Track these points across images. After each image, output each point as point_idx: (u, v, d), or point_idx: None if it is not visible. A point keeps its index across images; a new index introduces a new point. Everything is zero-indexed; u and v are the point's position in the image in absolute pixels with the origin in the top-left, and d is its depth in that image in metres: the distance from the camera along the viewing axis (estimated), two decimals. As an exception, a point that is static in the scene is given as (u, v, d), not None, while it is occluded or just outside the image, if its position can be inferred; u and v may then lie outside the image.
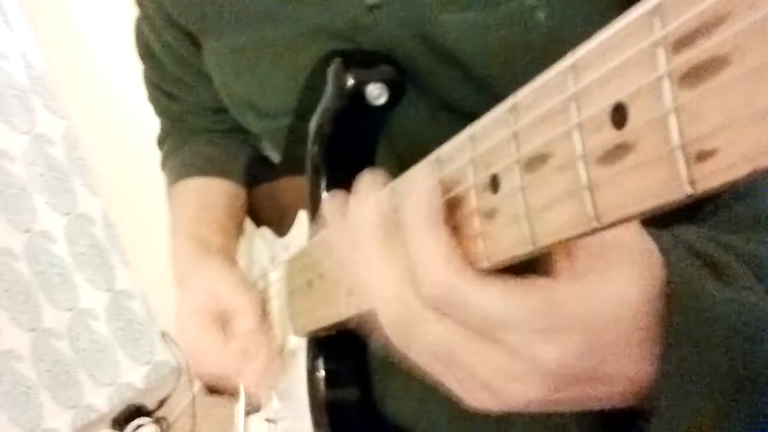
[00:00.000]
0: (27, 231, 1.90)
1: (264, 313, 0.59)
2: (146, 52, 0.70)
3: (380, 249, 0.32)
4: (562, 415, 0.33)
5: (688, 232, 0.34)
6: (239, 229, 0.71)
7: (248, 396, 0.71)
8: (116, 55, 1.89)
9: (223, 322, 0.58)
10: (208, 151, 0.73)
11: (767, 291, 0.31)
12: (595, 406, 0.31)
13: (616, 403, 0.31)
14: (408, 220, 0.30)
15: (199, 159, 0.73)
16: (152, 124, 0.80)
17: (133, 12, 0.70)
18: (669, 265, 0.29)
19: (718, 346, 0.29)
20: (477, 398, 0.31)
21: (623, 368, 0.29)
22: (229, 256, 0.65)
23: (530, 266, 0.28)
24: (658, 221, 0.26)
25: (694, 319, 0.29)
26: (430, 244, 0.29)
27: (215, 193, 0.71)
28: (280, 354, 0.60)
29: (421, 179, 0.30)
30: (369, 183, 0.34)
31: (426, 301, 0.30)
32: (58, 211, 1.94)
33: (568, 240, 0.23)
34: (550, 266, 0.28)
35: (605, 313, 0.28)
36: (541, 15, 0.42)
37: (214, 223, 0.67)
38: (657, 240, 0.30)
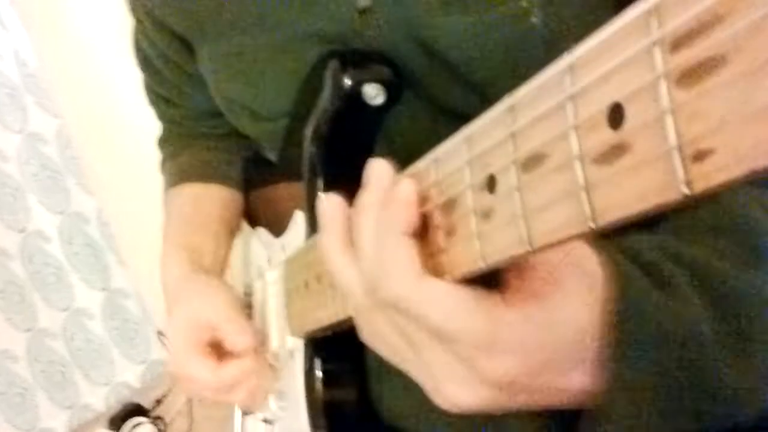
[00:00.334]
0: (21, 231, 1.89)
1: (257, 334, 0.60)
2: (143, 61, 0.71)
3: (345, 248, 0.35)
4: (550, 416, 0.34)
5: (636, 240, 0.35)
6: (232, 235, 0.71)
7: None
8: (110, 54, 1.88)
9: (215, 345, 0.58)
10: (206, 157, 0.74)
11: (707, 303, 0.32)
12: (541, 408, 0.33)
13: (570, 406, 0.32)
14: (381, 223, 0.31)
15: (196, 164, 0.73)
16: (146, 122, 0.81)
17: (126, 10, 0.69)
18: (614, 280, 0.31)
19: (653, 356, 0.30)
20: (432, 394, 0.33)
21: (567, 382, 0.31)
22: (220, 269, 0.66)
23: (484, 278, 0.29)
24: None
25: (631, 331, 0.30)
26: (392, 251, 0.30)
27: (210, 199, 0.71)
28: (272, 371, 0.61)
29: (403, 186, 0.31)
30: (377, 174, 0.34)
31: (380, 305, 0.32)
32: (52, 210, 1.93)
33: (565, 241, 0.23)
34: (503, 281, 0.30)
35: (549, 337, 0.29)
36: (534, 18, 0.42)
37: (206, 231, 0.67)
38: (603, 251, 0.31)
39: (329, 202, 0.36)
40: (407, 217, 0.30)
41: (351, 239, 0.34)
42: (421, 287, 0.29)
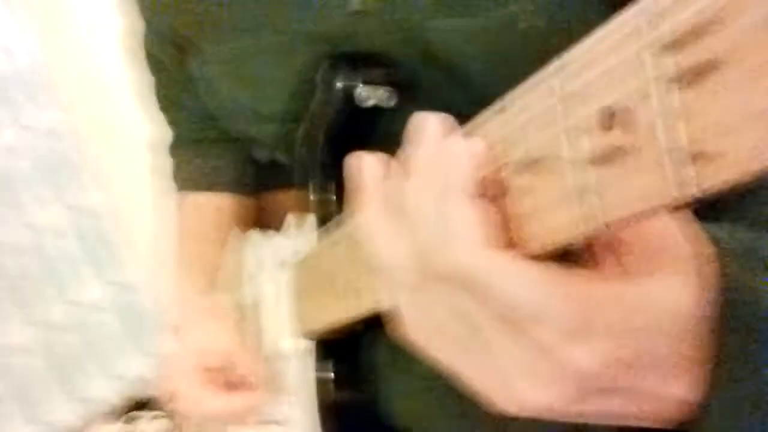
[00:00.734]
0: (31, 224, 1.90)
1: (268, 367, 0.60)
2: (154, 63, 0.71)
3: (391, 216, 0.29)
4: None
5: (737, 232, 0.29)
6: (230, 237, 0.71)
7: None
8: (114, 48, 1.89)
9: (223, 372, 0.58)
10: (216, 163, 0.74)
11: None
12: (622, 422, 0.27)
13: (645, 423, 0.27)
14: (439, 181, 0.27)
15: (205, 173, 0.74)
16: (152, 117, 0.81)
17: (125, 4, 0.70)
18: (724, 271, 0.26)
19: None
20: (493, 394, 0.27)
21: (663, 385, 0.26)
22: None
23: (570, 256, 0.25)
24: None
25: (749, 335, 0.25)
26: (456, 213, 0.25)
27: (218, 210, 0.72)
28: (275, 360, 0.61)
29: (467, 144, 0.27)
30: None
31: (438, 280, 0.26)
32: (62, 204, 1.94)
33: (565, 243, 0.23)
34: (594, 258, 0.26)
35: (648, 320, 0.25)
36: (529, 21, 0.41)
37: (217, 245, 0.68)
38: (712, 239, 0.27)
39: (368, 162, 0.31)
40: (474, 173, 0.26)
41: (395, 206, 0.29)
42: (493, 257, 0.25)
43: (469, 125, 0.28)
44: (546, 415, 0.26)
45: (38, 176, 1.90)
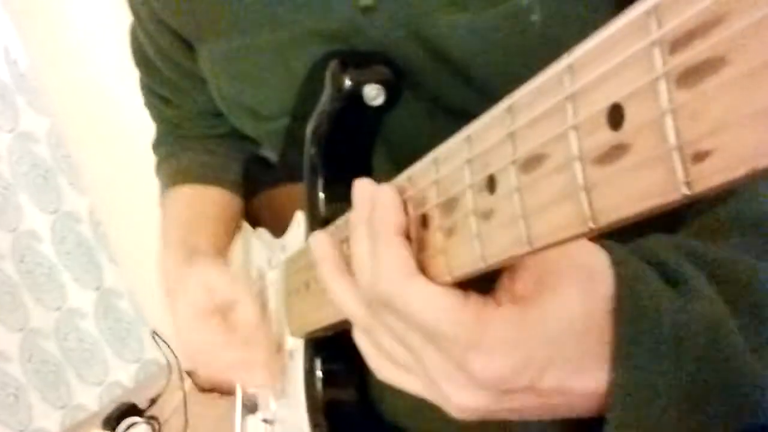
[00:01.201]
0: (13, 230, 1.88)
1: (263, 307, 0.59)
2: (141, 58, 0.70)
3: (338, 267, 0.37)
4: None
5: (653, 240, 0.34)
6: (231, 237, 0.71)
7: (245, 395, 0.70)
8: (102, 53, 1.87)
9: (223, 315, 0.57)
10: (203, 159, 0.73)
11: (730, 300, 0.31)
12: (551, 416, 0.32)
13: (574, 414, 0.32)
14: (371, 231, 0.32)
15: (194, 166, 0.73)
16: (139, 121, 0.80)
17: (118, 9, 0.69)
18: (619, 278, 0.30)
19: (668, 356, 0.29)
20: (441, 401, 0.32)
21: (567, 383, 0.30)
22: (219, 256, 0.65)
23: (484, 278, 0.29)
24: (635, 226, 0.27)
25: (641, 330, 0.29)
26: (383, 252, 0.31)
27: (207, 201, 0.70)
28: (280, 349, 0.60)
29: (384, 189, 0.32)
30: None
31: (376, 309, 0.32)
32: (44, 209, 1.92)
33: (565, 241, 0.23)
34: (494, 283, 0.30)
35: (545, 334, 0.29)
36: (536, 17, 0.42)
37: (203, 232, 0.67)
38: (610, 252, 0.30)
39: (316, 239, 0.38)
40: (393, 217, 0.31)
41: (345, 266, 0.36)
42: (411, 285, 0.30)
43: (411, 168, 0.33)
44: (478, 417, 0.31)
45: (17, 181, 1.87)
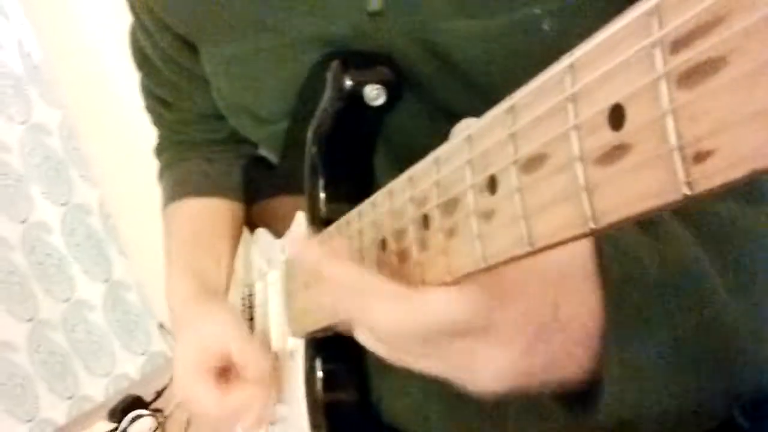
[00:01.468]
0: (23, 221, 1.89)
1: (270, 361, 0.59)
2: (142, 60, 0.70)
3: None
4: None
5: None
6: (235, 248, 0.71)
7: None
8: (113, 45, 1.88)
9: (222, 371, 0.57)
10: (203, 168, 0.73)
11: (705, 242, 0.34)
12: (560, 372, 0.33)
13: (576, 365, 0.33)
14: (317, 283, 0.35)
15: (194, 177, 0.72)
16: (150, 117, 0.80)
17: (128, 2, 0.69)
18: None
19: (653, 300, 0.32)
20: (470, 386, 0.34)
21: (575, 312, 0.32)
22: (224, 289, 0.66)
23: None
24: None
25: (621, 270, 0.32)
26: (360, 297, 0.33)
27: (210, 216, 0.70)
28: (274, 404, 0.60)
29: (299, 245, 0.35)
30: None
31: (410, 337, 0.33)
32: (54, 201, 1.93)
33: (566, 241, 0.23)
34: None
35: (543, 267, 0.31)
36: (545, 25, 0.41)
37: (210, 252, 0.67)
38: None
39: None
40: (331, 251, 0.35)
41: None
42: (416, 301, 0.31)
43: (412, 169, 0.33)
44: (502, 384, 0.33)
45: (29, 173, 1.89)
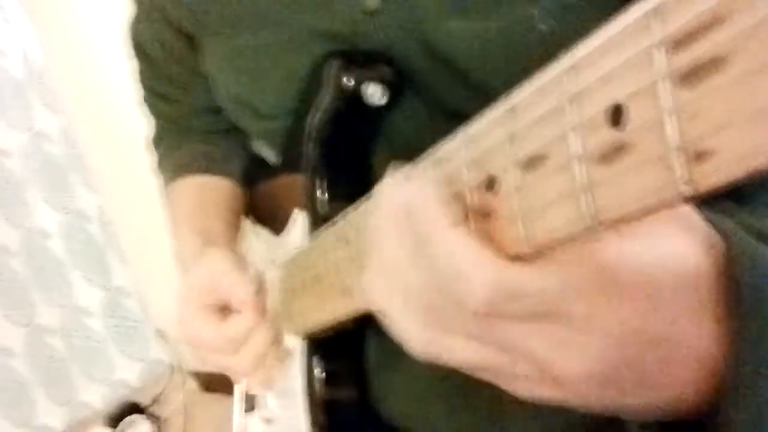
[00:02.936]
0: (23, 227, 1.89)
1: (264, 303, 0.58)
2: (141, 52, 0.70)
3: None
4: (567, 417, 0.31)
5: (735, 213, 0.32)
6: (238, 228, 0.71)
7: (244, 394, 0.70)
8: (116, 52, 1.89)
9: (222, 311, 0.57)
10: (206, 150, 0.73)
11: None
12: (656, 393, 0.28)
13: (683, 389, 0.28)
14: (425, 236, 0.27)
15: (197, 157, 0.73)
16: (150, 121, 0.80)
17: (132, 8, 0.70)
18: (728, 239, 0.27)
19: None
20: (536, 385, 0.28)
21: (688, 337, 0.27)
22: (232, 245, 0.65)
23: None
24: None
25: (761, 296, 0.26)
26: (456, 251, 0.26)
27: (215, 189, 0.71)
28: (279, 345, 0.59)
29: (422, 187, 0.28)
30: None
31: (479, 314, 0.26)
32: (54, 207, 1.93)
33: (565, 241, 0.23)
34: None
35: (663, 273, 0.26)
36: (543, 25, 0.41)
37: (216, 216, 0.67)
38: (708, 218, 0.28)
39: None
40: (448, 206, 0.27)
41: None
42: (511, 269, 0.25)
43: (437, 150, 0.30)
44: (599, 385, 0.27)
45: (28, 179, 1.89)
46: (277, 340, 0.58)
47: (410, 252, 0.28)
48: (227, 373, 0.58)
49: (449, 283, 0.26)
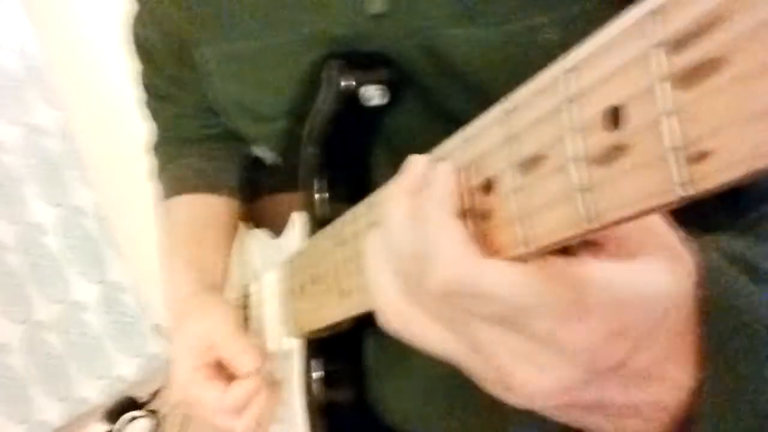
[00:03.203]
0: (19, 222, 1.89)
1: (262, 353, 0.58)
2: (142, 51, 0.70)
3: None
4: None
5: (720, 240, 0.32)
6: (230, 246, 0.71)
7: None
8: (114, 47, 1.88)
9: (220, 367, 0.57)
10: (201, 165, 0.73)
11: None
12: (626, 418, 0.28)
13: (668, 411, 0.28)
14: (420, 207, 0.28)
15: (190, 174, 0.73)
16: (150, 125, 0.80)
17: (129, 3, 0.69)
18: (703, 265, 0.28)
19: (757, 349, 0.27)
20: (500, 388, 0.28)
21: (660, 365, 0.27)
22: (222, 284, 0.65)
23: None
24: (694, 230, 0.25)
25: (732, 324, 0.27)
26: (441, 233, 0.27)
27: (209, 212, 0.70)
28: (277, 395, 0.60)
29: (441, 168, 0.29)
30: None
31: (428, 297, 0.28)
32: (50, 203, 1.93)
33: (562, 242, 0.23)
34: (573, 247, 0.26)
35: (634, 299, 0.26)
36: (548, 34, 0.41)
37: (211, 245, 0.67)
38: (688, 241, 0.28)
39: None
40: (453, 196, 0.28)
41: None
42: (482, 266, 0.25)
43: (437, 151, 0.30)
44: (556, 404, 0.27)
45: (26, 174, 1.88)
46: (273, 389, 0.58)
47: (409, 220, 0.29)
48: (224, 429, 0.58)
49: (424, 258, 0.27)
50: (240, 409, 0.55)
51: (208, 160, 0.73)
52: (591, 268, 0.25)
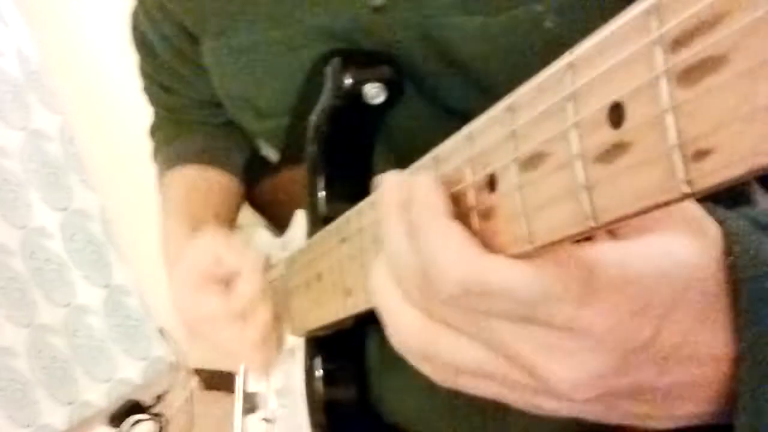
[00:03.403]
0: (23, 227, 1.89)
1: (257, 253, 0.57)
2: (142, 43, 0.70)
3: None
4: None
5: (745, 210, 0.31)
6: (232, 222, 0.69)
7: (246, 394, 0.70)
8: (113, 50, 1.89)
9: (225, 284, 0.55)
10: (205, 143, 0.72)
11: None
12: (671, 401, 0.28)
13: (695, 402, 0.28)
14: (413, 218, 0.28)
15: (195, 149, 0.72)
16: (149, 118, 0.80)
17: (129, 5, 0.70)
18: (730, 233, 0.27)
19: None
20: (536, 398, 0.28)
21: (691, 336, 0.26)
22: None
23: None
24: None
25: (765, 288, 0.26)
26: (440, 239, 0.26)
27: (210, 181, 0.69)
28: (280, 325, 0.58)
29: (421, 179, 0.29)
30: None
31: (442, 306, 0.27)
32: (54, 207, 1.93)
33: (566, 239, 0.23)
34: None
35: (652, 273, 0.25)
36: (548, 22, 0.41)
37: (208, 207, 0.65)
38: (711, 212, 0.28)
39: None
40: (442, 199, 0.27)
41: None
42: (487, 262, 0.25)
43: (412, 167, 0.30)
44: (596, 395, 0.26)
45: (28, 178, 1.89)
46: (278, 318, 0.57)
47: (405, 238, 0.28)
48: (231, 351, 0.56)
49: (428, 269, 0.26)
50: (246, 313, 0.53)
51: (212, 139, 0.72)
52: (600, 249, 0.25)
